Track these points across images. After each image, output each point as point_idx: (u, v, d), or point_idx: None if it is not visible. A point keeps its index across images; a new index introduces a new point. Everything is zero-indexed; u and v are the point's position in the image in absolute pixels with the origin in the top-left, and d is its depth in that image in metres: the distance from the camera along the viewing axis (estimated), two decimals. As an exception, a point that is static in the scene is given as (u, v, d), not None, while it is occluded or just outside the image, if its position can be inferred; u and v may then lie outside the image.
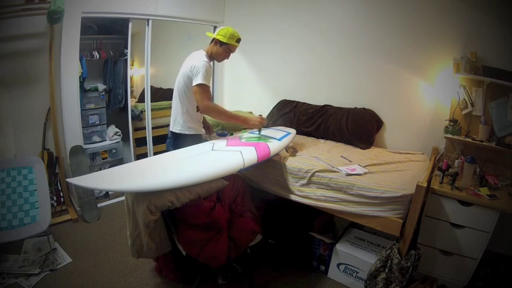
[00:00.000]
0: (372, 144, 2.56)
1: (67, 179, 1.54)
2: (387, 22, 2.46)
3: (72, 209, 2.69)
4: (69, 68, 2.50)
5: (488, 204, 1.71)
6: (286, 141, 2.20)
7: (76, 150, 2.64)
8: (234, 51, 2.14)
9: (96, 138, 3.28)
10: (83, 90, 3.06)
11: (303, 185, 2.02)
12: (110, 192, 2.99)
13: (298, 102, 2.98)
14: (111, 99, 3.62)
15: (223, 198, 1.80)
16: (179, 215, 1.63)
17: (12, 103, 2.43)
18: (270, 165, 2.13)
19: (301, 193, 2.04)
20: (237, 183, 1.95)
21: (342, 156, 2.25)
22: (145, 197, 1.47)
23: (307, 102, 2.94)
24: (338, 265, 2.09)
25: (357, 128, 2.55)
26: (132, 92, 3.44)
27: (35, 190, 2.09)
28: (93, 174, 1.63)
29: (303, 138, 2.69)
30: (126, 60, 3.18)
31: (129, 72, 3.14)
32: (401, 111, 2.51)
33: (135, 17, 2.80)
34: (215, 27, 3.44)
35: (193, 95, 1.97)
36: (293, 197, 2.07)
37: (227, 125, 2.64)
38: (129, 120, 3.14)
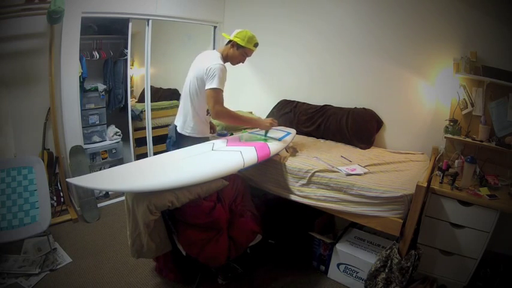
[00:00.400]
0: (371, 144, 2.56)
1: (67, 179, 1.54)
2: (387, 22, 2.46)
3: (72, 209, 2.69)
4: (69, 68, 2.50)
5: (488, 204, 1.71)
6: (286, 141, 2.20)
7: (76, 150, 2.64)
8: (250, 56, 2.07)
9: (96, 138, 3.27)
10: (83, 90, 3.05)
11: (303, 185, 2.02)
12: (109, 192, 2.99)
13: (298, 102, 2.98)
14: (111, 99, 3.62)
15: (223, 198, 1.79)
16: (179, 215, 1.63)
17: (12, 103, 2.43)
18: (270, 165, 2.13)
19: (301, 193, 2.04)
20: (237, 183, 1.95)
21: (342, 156, 2.25)
22: (145, 197, 1.47)
23: (307, 102, 2.94)
24: (338, 265, 2.09)
25: (357, 128, 2.55)
26: (132, 92, 3.44)
27: (35, 190, 2.09)
28: (93, 174, 1.63)
29: (303, 138, 2.69)
30: (126, 60, 3.18)
31: (129, 72, 3.14)
32: (402, 111, 2.51)
33: (135, 17, 2.80)
34: (215, 27, 3.45)
35: (206, 97, 1.90)
36: (293, 197, 2.07)
37: (227, 125, 2.62)
38: (129, 120, 3.15)
